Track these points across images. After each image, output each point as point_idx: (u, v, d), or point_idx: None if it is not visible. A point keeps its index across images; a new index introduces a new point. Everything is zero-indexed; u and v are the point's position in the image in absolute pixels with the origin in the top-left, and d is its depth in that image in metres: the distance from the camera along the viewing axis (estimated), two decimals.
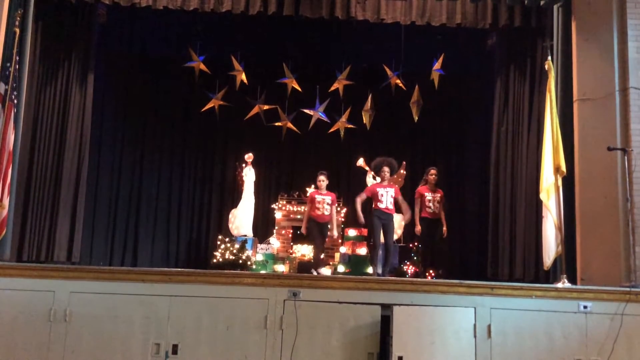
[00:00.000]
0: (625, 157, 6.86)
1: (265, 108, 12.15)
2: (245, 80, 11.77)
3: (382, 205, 7.97)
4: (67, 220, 9.11)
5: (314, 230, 8.48)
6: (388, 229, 8.00)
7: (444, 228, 8.43)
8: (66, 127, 9.29)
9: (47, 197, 8.96)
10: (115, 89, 11.68)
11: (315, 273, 7.94)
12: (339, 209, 11.70)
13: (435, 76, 11.40)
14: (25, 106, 8.26)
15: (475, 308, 5.46)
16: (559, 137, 6.81)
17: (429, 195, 8.51)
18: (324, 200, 8.52)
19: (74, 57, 9.46)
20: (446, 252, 9.07)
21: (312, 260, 8.81)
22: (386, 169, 8.18)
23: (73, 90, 9.39)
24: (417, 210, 8.52)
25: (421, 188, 8.68)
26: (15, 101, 7.56)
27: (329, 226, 8.48)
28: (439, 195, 8.56)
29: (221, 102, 11.99)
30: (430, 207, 8.47)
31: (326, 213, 8.45)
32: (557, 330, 5.44)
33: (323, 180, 8.61)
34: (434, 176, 8.63)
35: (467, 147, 12.07)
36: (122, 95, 11.95)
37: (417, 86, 11.73)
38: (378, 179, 8.51)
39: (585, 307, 5.48)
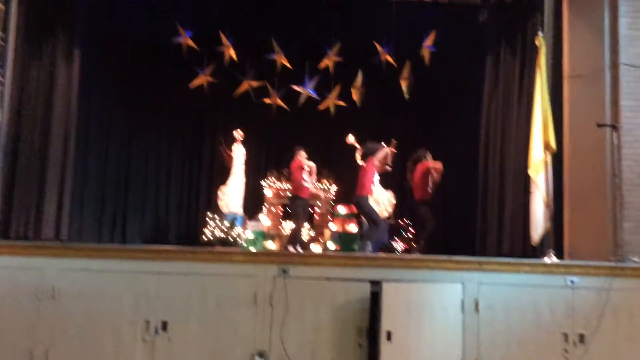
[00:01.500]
0: (614, 134, 6.87)
1: (254, 85, 12.04)
2: (233, 56, 11.64)
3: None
4: (54, 198, 9.05)
5: (298, 207, 8.47)
6: None
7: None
8: (52, 104, 9.18)
9: (34, 174, 8.87)
10: (102, 66, 11.51)
11: (292, 249, 7.93)
12: (329, 186, 11.71)
13: (425, 53, 11.32)
14: (11, 84, 8.15)
15: (463, 283, 5.49)
16: (548, 114, 6.80)
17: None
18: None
19: (59, 34, 9.31)
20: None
21: (291, 237, 8.78)
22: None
23: (59, 67, 9.26)
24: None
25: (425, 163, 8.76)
26: (1, 78, 7.45)
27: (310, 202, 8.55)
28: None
29: (209, 79, 11.88)
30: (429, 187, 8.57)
31: (311, 189, 8.50)
32: (544, 305, 5.49)
33: (305, 157, 8.61)
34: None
35: (457, 123, 12.05)
36: (109, 73, 11.78)
37: (407, 63, 11.66)
38: None
39: (572, 281, 5.53)
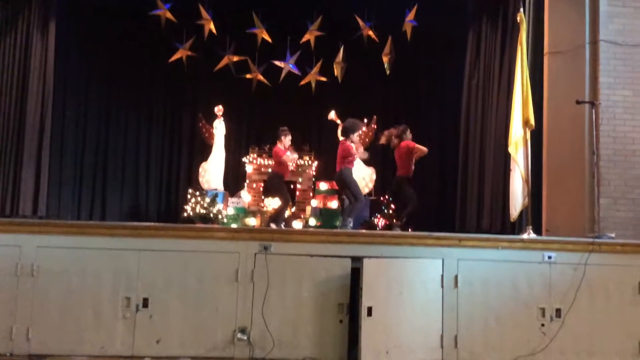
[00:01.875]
0: (593, 110, 6.93)
1: (234, 59, 11.92)
2: (213, 30, 11.48)
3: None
4: (31, 173, 8.93)
5: (282, 187, 8.46)
6: None
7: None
8: (28, 78, 9.02)
9: (10, 149, 8.75)
10: (78, 39, 11.28)
11: (273, 226, 7.94)
12: (310, 162, 11.70)
13: (408, 28, 11.28)
14: None
15: (443, 259, 5.54)
16: (528, 91, 6.82)
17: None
18: (293, 158, 8.59)
19: (34, 4, 9.07)
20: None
21: (275, 215, 8.76)
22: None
23: (34, 39, 9.08)
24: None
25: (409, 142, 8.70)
26: None
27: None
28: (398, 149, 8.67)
29: (189, 53, 11.72)
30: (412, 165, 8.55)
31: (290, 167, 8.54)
32: (522, 280, 5.58)
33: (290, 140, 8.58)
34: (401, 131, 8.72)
35: (438, 99, 12.07)
36: (85, 46, 11.55)
37: (389, 38, 11.60)
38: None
39: (549, 257, 5.61)
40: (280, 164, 8.53)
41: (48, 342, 5.19)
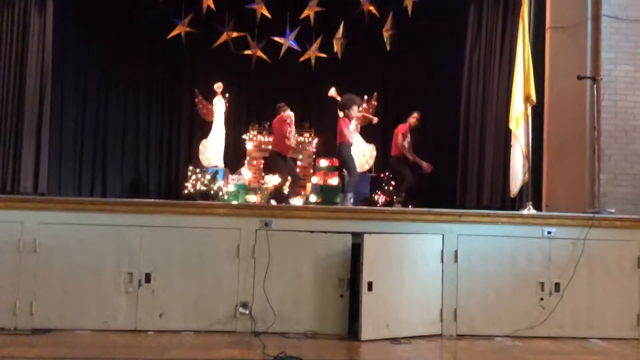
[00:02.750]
0: (595, 86, 6.90)
1: (234, 35, 11.83)
2: (212, 6, 11.37)
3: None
4: (31, 151, 8.93)
5: (281, 163, 8.42)
6: None
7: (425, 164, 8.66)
8: (26, 55, 8.96)
9: (10, 127, 8.74)
10: (76, 15, 11.18)
11: (273, 202, 7.95)
12: (310, 139, 11.68)
13: (409, 3, 11.19)
14: None
15: (443, 235, 5.57)
16: (530, 66, 6.78)
17: (408, 137, 8.69)
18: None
19: None
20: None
21: (278, 190, 8.75)
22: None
23: (32, 16, 9.01)
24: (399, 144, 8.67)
25: (403, 126, 8.79)
26: None
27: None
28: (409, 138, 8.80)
29: (187, 29, 11.64)
30: (405, 147, 8.64)
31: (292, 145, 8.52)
32: (522, 255, 5.61)
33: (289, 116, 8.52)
34: (415, 119, 8.76)
35: (439, 75, 12.01)
36: (83, 23, 11.46)
37: (390, 13, 11.50)
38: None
39: (549, 232, 5.64)
40: (282, 137, 8.42)
41: (51, 316, 5.24)
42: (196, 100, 11.76)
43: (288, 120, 8.38)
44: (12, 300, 5.21)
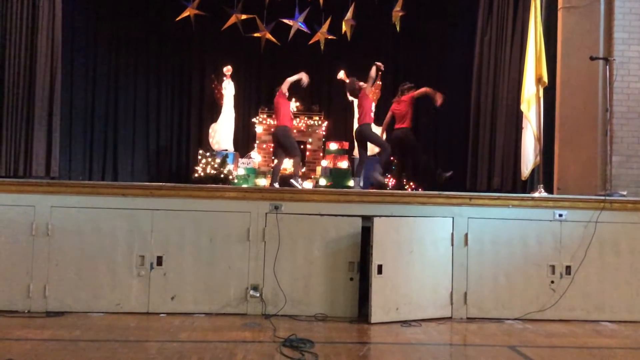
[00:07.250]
0: (607, 67, 6.82)
1: (242, 18, 11.77)
2: None
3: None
4: (43, 135, 8.95)
5: (289, 139, 8.27)
6: None
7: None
8: (36, 40, 8.93)
9: (21, 112, 8.74)
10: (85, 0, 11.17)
11: (296, 184, 7.93)
12: (320, 122, 11.65)
13: None
14: None
15: (453, 218, 5.57)
16: (542, 47, 6.71)
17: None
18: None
19: None
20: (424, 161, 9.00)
21: (294, 171, 8.65)
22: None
23: (41, 0, 8.95)
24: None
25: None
26: None
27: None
28: (403, 102, 8.44)
29: (196, 11, 11.59)
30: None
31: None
32: (532, 238, 5.60)
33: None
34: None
35: (449, 57, 11.90)
36: (93, 6, 11.44)
37: None
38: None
39: (560, 215, 5.62)
40: (285, 110, 8.27)
41: (65, 299, 5.31)
42: (212, 85, 11.73)
43: (284, 90, 8.21)
44: (26, 284, 5.29)
